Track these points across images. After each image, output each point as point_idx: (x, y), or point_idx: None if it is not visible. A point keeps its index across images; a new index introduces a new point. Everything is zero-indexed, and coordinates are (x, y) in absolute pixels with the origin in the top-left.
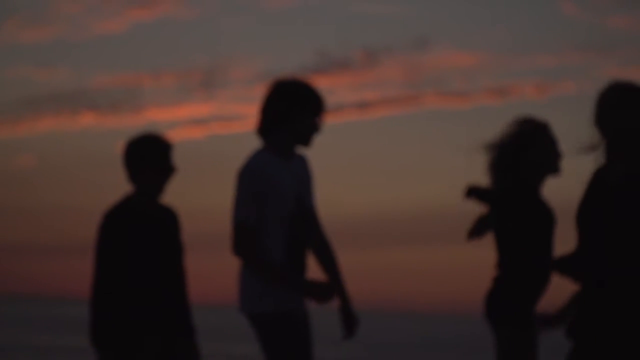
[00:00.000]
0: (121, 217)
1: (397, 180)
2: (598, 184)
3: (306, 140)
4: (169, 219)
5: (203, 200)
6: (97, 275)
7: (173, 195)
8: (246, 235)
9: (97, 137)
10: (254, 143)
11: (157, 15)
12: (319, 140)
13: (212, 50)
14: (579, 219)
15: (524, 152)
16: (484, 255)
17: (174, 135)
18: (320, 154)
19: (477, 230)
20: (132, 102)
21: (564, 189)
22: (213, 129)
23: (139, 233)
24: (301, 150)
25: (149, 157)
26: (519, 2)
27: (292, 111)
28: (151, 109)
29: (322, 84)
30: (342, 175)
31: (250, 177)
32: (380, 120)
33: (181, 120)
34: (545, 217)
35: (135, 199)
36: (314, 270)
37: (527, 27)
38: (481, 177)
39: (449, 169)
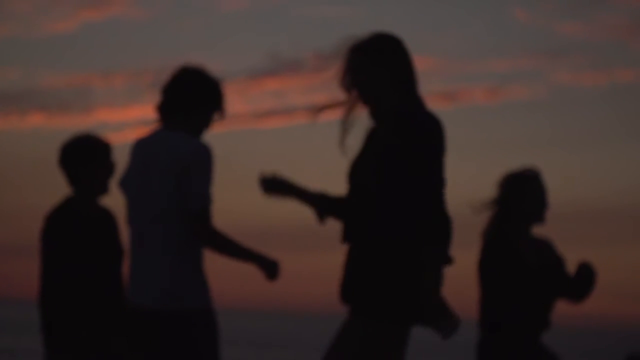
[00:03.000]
0: (64, 219)
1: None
2: (367, 147)
3: (201, 132)
4: (110, 221)
5: None
6: (45, 279)
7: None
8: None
9: (46, 138)
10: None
11: (108, 15)
12: (269, 142)
13: (163, 51)
14: (349, 177)
15: (519, 202)
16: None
17: (124, 137)
18: (271, 156)
19: None
20: (82, 102)
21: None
22: None
23: (83, 235)
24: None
25: (88, 157)
26: (470, 7)
27: (199, 101)
28: (101, 110)
29: (273, 86)
30: (292, 178)
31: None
32: (331, 123)
33: (131, 121)
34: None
35: (76, 201)
36: None
37: (478, 32)
38: None
39: None
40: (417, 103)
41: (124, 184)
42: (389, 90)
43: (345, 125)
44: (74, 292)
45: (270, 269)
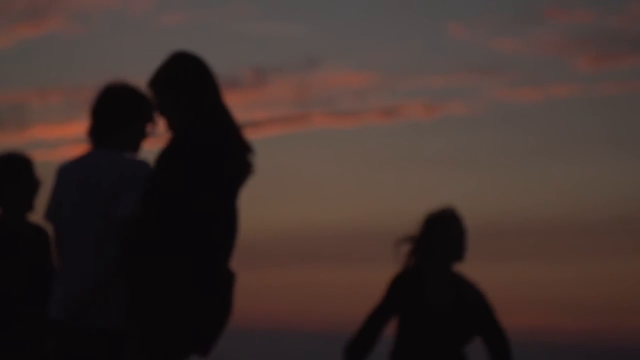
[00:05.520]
0: None
1: (284, 198)
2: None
3: (138, 146)
4: (38, 238)
5: None
6: None
7: None
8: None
9: None
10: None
11: (44, 31)
12: None
13: (101, 67)
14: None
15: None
16: (378, 274)
17: (60, 154)
18: None
19: None
20: (18, 119)
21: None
22: None
23: (6, 253)
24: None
25: (14, 175)
26: (407, 24)
27: (130, 116)
28: (38, 127)
29: None
30: None
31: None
32: (268, 139)
33: (69, 138)
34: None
35: (5, 219)
36: None
37: (415, 48)
38: (367, 196)
39: (337, 188)
40: (204, 122)
41: (56, 211)
42: (177, 114)
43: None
44: (4, 309)
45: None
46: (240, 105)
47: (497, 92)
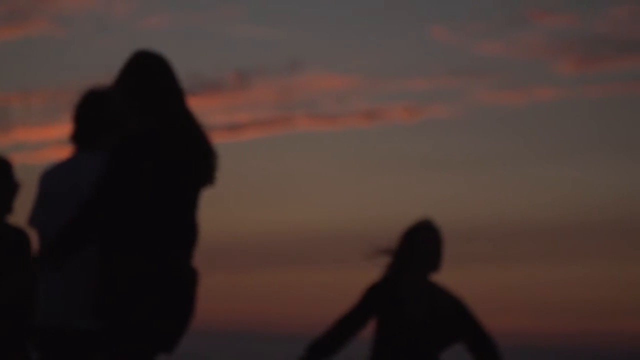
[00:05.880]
0: None
1: (267, 201)
2: None
3: None
4: (17, 240)
5: None
6: None
7: None
8: None
9: None
10: None
11: (27, 34)
12: None
13: (84, 70)
14: None
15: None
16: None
17: (44, 156)
18: None
19: None
20: (0, 121)
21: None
22: None
23: None
24: None
25: None
26: (390, 27)
27: (113, 120)
28: (20, 129)
29: (193, 105)
30: (210, 197)
31: None
32: (250, 141)
33: (51, 140)
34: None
35: None
36: None
37: (398, 51)
38: (349, 198)
39: (319, 191)
40: (162, 123)
41: (40, 216)
42: (136, 115)
43: None
44: None
45: None
46: (223, 108)
47: (480, 95)
